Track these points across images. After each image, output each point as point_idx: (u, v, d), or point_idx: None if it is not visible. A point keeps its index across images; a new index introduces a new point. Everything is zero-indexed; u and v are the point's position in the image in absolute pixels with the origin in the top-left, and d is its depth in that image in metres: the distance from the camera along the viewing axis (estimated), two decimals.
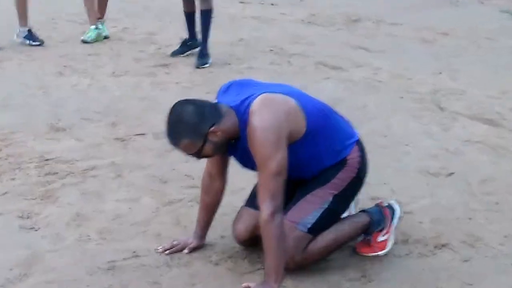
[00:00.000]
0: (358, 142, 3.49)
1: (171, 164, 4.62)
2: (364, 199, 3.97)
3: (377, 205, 3.66)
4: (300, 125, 3.19)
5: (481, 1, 10.04)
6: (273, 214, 3.07)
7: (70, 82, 6.37)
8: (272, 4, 9.78)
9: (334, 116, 3.47)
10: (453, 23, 8.75)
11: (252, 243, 3.45)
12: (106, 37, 7.78)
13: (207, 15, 7.01)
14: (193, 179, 4.38)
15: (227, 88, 3.41)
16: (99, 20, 7.78)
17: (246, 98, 3.17)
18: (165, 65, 6.90)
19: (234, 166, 3.55)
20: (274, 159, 3.06)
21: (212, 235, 3.67)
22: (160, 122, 5.25)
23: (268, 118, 3.06)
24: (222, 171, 3.51)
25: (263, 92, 3.18)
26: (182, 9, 7.23)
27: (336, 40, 7.96)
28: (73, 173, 4.50)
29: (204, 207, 3.61)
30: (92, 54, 7.26)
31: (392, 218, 3.63)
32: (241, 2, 9.86)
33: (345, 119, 3.56)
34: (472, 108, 5.76)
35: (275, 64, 6.92)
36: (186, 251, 3.55)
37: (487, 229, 3.86)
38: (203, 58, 6.94)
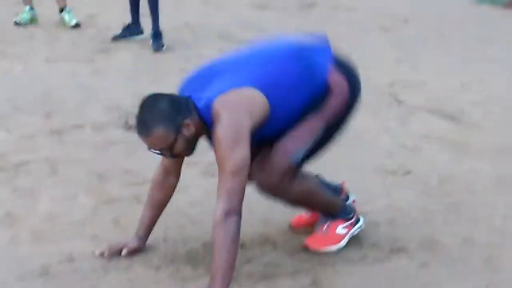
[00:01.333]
0: (334, 62, 3.47)
1: (111, 159, 4.61)
2: None
3: (350, 200, 3.80)
4: (264, 109, 3.25)
5: None
6: (227, 214, 3.08)
7: (0, 68, 6.32)
8: None
9: (301, 63, 3.42)
10: (415, 9, 8.81)
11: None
12: (77, 25, 7.66)
13: None
14: (134, 175, 4.38)
15: (191, 83, 3.42)
16: (65, 7, 7.70)
17: (206, 91, 3.23)
18: (106, 51, 6.88)
19: None
20: (232, 158, 3.10)
21: (153, 237, 3.65)
22: (99, 113, 5.29)
23: (227, 120, 3.12)
24: (178, 167, 3.54)
25: (223, 89, 3.22)
26: None
27: (290, 26, 7.96)
28: (3, 168, 4.47)
29: (152, 204, 3.59)
30: (26, 37, 7.20)
31: (356, 222, 3.74)
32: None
33: (316, 48, 3.54)
34: (431, 102, 5.81)
35: (223, 52, 6.89)
36: (124, 252, 3.54)
37: (446, 232, 3.89)
38: (159, 40, 6.98)
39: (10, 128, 5.03)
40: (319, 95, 3.38)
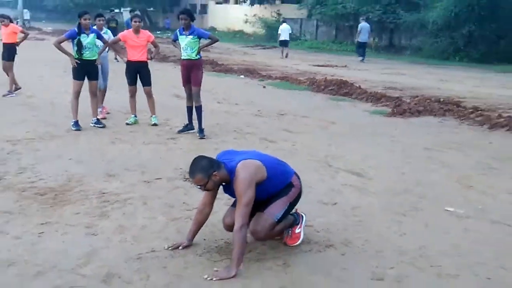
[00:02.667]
0: (295, 173, 3.68)
1: (176, 196, 4.60)
2: None
3: (295, 211, 3.75)
4: (264, 175, 3.39)
5: (354, 105, 10.19)
6: (241, 227, 3.19)
7: (118, 147, 6.32)
8: (236, 104, 9.85)
9: (280, 163, 3.65)
10: (338, 117, 8.81)
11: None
12: (155, 124, 7.55)
13: (199, 108, 7.05)
14: (189, 205, 4.36)
15: (223, 154, 3.57)
16: (154, 114, 7.68)
17: (233, 161, 3.38)
18: (174, 139, 6.86)
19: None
20: (246, 195, 3.24)
21: (197, 238, 3.64)
22: (170, 171, 5.28)
23: (245, 173, 3.28)
24: (211, 202, 3.58)
25: (243, 159, 3.39)
26: (185, 105, 7.27)
27: (272, 125, 7.99)
28: (118, 201, 4.46)
29: (196, 223, 3.59)
30: (132, 131, 7.21)
31: (302, 220, 3.74)
32: (218, 102, 9.92)
33: (285, 163, 3.74)
34: (347, 166, 5.76)
35: (237, 139, 6.92)
36: (181, 247, 3.53)
37: (357, 234, 3.88)
38: (202, 133, 6.98)
39: (122, 180, 5.03)
40: (286, 185, 3.56)
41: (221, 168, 3.32)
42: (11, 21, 10.00)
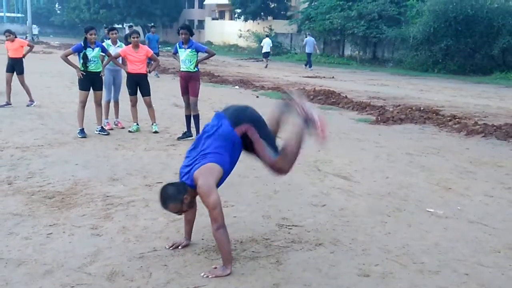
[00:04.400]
0: (232, 120, 3.31)
1: None
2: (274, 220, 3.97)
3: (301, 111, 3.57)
4: (220, 171, 3.16)
5: (340, 113, 10.21)
6: (217, 229, 3.10)
7: (121, 153, 6.28)
8: None
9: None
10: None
11: None
12: (156, 132, 7.51)
13: (196, 117, 7.06)
14: None
15: (188, 155, 3.37)
16: (154, 122, 7.63)
17: (190, 173, 3.17)
18: (174, 145, 6.84)
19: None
20: (209, 202, 3.06)
21: (195, 237, 3.63)
22: (170, 176, 5.25)
23: (202, 182, 3.07)
24: (195, 204, 3.50)
25: (198, 166, 3.15)
26: (184, 113, 7.25)
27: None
28: (121, 203, 4.43)
29: (187, 222, 3.58)
30: (134, 138, 7.18)
31: (312, 116, 3.62)
32: (215, 111, 9.88)
33: (219, 123, 3.33)
34: (335, 170, 5.76)
35: None
36: (180, 247, 3.51)
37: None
38: None
39: (125, 184, 5.00)
40: (238, 143, 3.27)
41: (187, 188, 3.17)
42: (15, 36, 9.90)
